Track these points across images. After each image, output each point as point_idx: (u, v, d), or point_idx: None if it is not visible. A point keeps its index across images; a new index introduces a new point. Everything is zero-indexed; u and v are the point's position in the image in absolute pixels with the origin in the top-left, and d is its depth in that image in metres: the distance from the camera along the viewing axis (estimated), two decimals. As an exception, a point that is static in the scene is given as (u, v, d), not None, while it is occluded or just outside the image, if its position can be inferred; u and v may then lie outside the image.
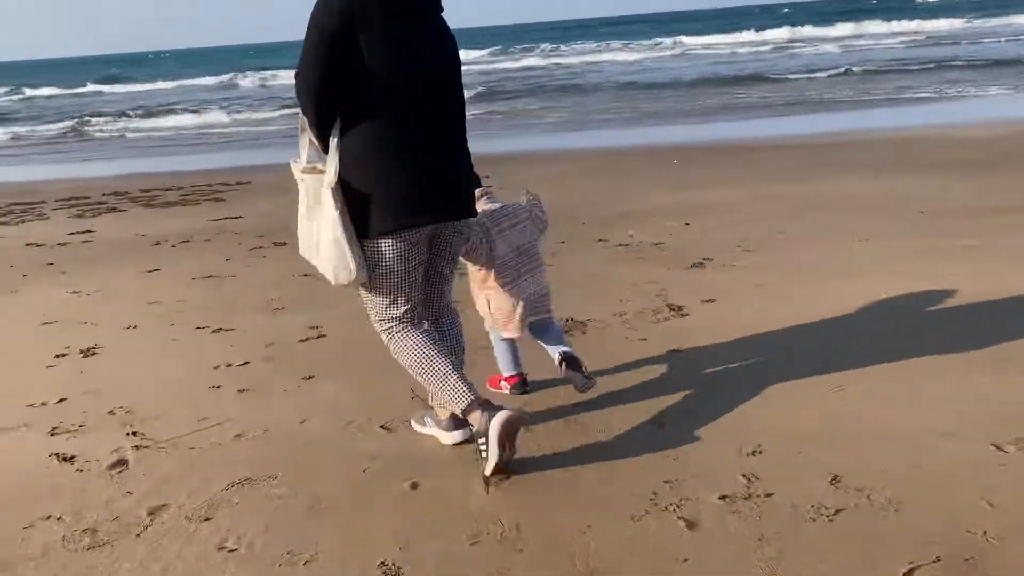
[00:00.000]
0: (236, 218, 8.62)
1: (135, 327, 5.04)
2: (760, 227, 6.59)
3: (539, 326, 3.53)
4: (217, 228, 8.15)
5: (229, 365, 4.25)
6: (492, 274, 3.37)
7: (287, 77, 36.31)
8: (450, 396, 2.87)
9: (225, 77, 43.03)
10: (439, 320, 3.12)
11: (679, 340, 4.16)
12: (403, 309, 2.94)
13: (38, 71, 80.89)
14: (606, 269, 5.68)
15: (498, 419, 2.77)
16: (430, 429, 3.22)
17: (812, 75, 23.03)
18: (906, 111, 15.19)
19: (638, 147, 12.78)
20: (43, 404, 3.87)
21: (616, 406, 3.42)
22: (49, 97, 38.60)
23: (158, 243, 7.62)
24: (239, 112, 24.78)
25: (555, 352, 3.48)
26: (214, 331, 4.83)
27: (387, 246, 2.83)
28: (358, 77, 2.70)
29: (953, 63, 23.20)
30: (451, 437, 3.15)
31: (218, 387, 3.97)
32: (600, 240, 6.57)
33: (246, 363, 4.26)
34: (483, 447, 2.82)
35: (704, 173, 9.61)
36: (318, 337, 4.58)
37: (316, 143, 2.85)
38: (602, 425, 3.25)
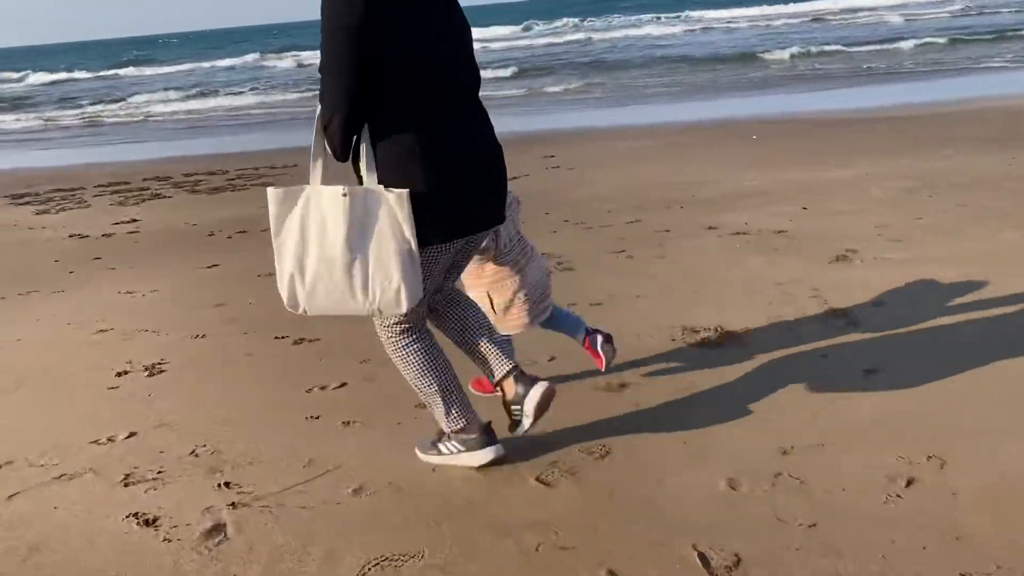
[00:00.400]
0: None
1: (203, 336, 4.38)
2: (893, 212, 5.82)
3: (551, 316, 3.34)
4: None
5: (323, 387, 3.57)
6: (493, 266, 3.11)
7: (309, 58, 35.73)
8: (441, 418, 2.77)
9: (249, 58, 42.32)
10: (452, 303, 2.85)
11: (870, 358, 3.42)
12: (415, 315, 2.70)
13: (52, 56, 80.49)
14: (734, 263, 4.94)
15: (491, 452, 2.75)
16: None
17: (864, 47, 21.98)
18: (996, 79, 14.25)
19: (702, 122, 11.99)
20: (110, 440, 3.21)
21: (843, 453, 2.70)
22: (69, 81, 38.07)
23: (212, 234, 6.97)
24: (266, 93, 24.09)
25: (581, 333, 3.36)
26: (296, 342, 4.16)
27: (430, 256, 2.57)
28: (389, 72, 2.41)
29: (1012, 32, 22.04)
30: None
31: (316, 418, 3.29)
32: (710, 228, 5.83)
33: (343, 385, 3.59)
34: (449, 444, 2.80)
35: (792, 149, 8.83)
36: (421, 350, 3.89)
37: (335, 152, 2.49)
38: (831, 483, 2.54)
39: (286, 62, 37.74)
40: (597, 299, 4.44)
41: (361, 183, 2.52)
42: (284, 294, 2.55)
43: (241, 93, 24.49)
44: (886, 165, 7.52)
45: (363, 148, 2.47)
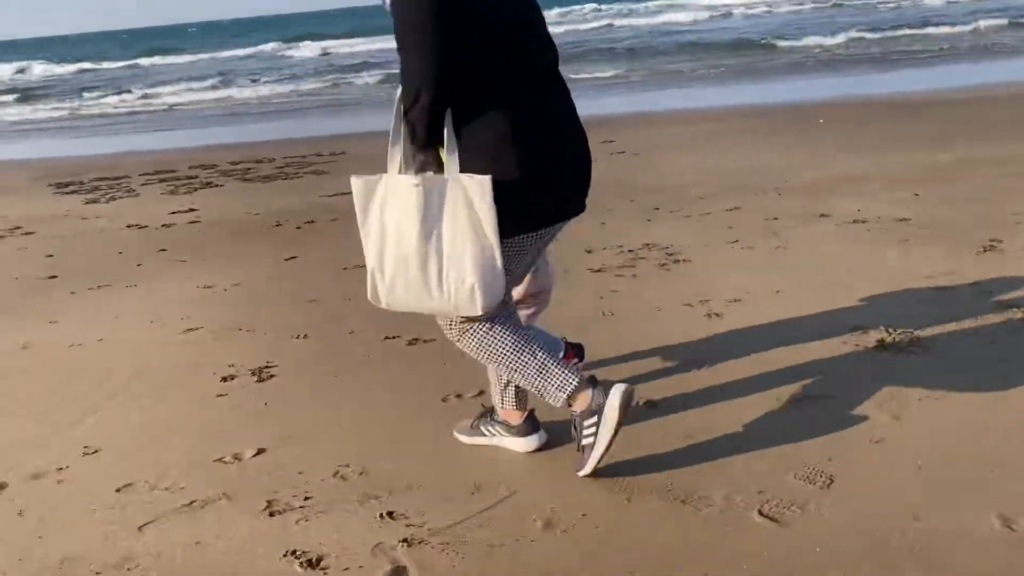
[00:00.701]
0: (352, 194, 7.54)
1: (305, 336, 4.02)
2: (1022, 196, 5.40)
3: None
4: (337, 206, 7.11)
5: (459, 396, 3.20)
6: None
7: (331, 47, 35.29)
8: (554, 386, 2.41)
9: (268, 47, 41.85)
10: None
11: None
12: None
13: (68, 47, 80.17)
14: (867, 254, 4.53)
15: (617, 392, 2.33)
16: (496, 439, 2.72)
17: (906, 31, 21.41)
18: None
19: (762, 105, 11.55)
20: (236, 458, 2.86)
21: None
22: (88, 71, 37.71)
23: (278, 224, 6.60)
24: (288, 83, 23.65)
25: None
26: (410, 343, 3.80)
27: (522, 245, 2.40)
28: (475, 48, 2.23)
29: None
30: (528, 443, 2.68)
31: (464, 432, 2.93)
32: (822, 215, 5.42)
33: (481, 393, 3.21)
34: (590, 429, 2.39)
35: (874, 133, 8.40)
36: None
37: (419, 136, 2.28)
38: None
39: (305, 51, 37.32)
40: (733, 295, 4.05)
41: (441, 171, 2.33)
42: (368, 286, 2.44)
43: (267, 82, 24.13)
44: (990, 148, 7.08)
45: (447, 131, 2.27)
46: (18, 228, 7.15)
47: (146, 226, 6.87)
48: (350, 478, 2.66)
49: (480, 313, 2.33)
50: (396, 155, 2.32)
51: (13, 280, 5.48)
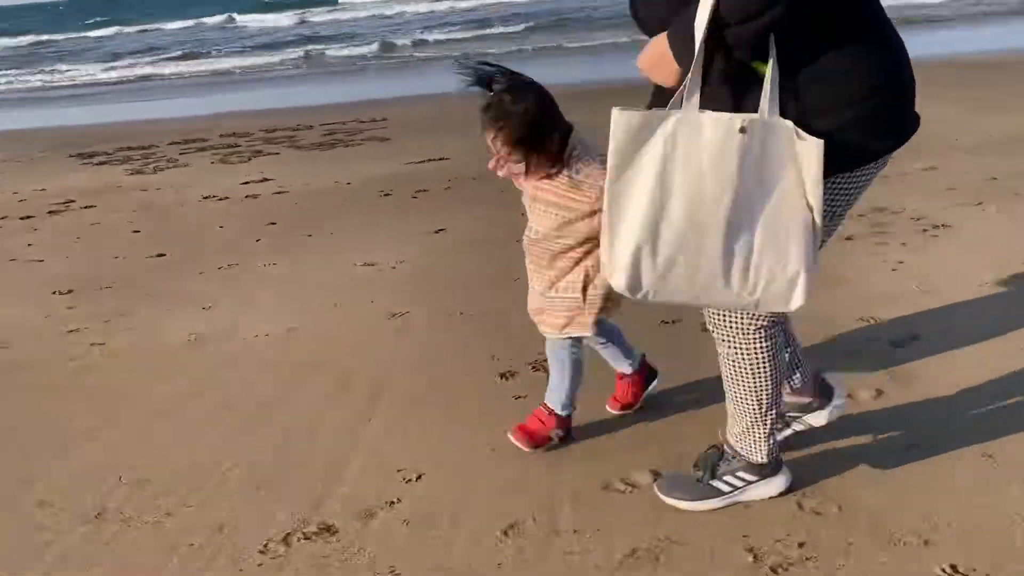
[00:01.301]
0: (442, 160, 6.76)
1: (552, 321, 3.28)
2: None
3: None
4: (434, 173, 6.31)
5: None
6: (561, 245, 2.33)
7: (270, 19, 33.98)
8: (762, 445, 2.02)
9: (219, 17, 40.07)
10: None
11: None
12: None
13: (5, 17, 76.59)
14: None
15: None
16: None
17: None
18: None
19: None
20: (631, 486, 2.13)
21: None
22: (38, 44, 35.70)
23: (386, 193, 5.79)
24: (265, 52, 22.48)
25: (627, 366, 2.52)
26: (666, 323, 3.08)
27: (853, 182, 1.81)
28: None
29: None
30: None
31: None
32: (1044, 176, 4.85)
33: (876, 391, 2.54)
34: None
35: (976, 92, 7.90)
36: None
37: (683, 58, 1.66)
38: None
39: (259, 22, 35.74)
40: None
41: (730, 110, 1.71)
42: (621, 273, 1.74)
43: (243, 52, 22.88)
44: None
45: (769, 68, 1.64)
46: (71, 201, 6.23)
47: (226, 197, 6.00)
48: (827, 513, 1.96)
49: (792, 310, 1.76)
50: (696, 88, 1.66)
51: (114, 259, 4.62)
